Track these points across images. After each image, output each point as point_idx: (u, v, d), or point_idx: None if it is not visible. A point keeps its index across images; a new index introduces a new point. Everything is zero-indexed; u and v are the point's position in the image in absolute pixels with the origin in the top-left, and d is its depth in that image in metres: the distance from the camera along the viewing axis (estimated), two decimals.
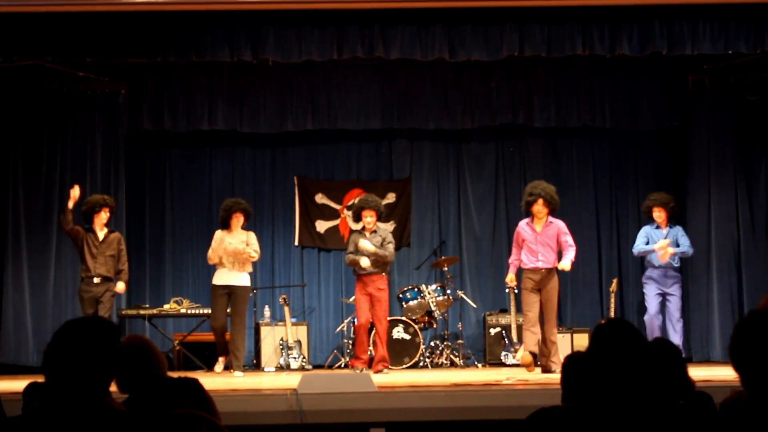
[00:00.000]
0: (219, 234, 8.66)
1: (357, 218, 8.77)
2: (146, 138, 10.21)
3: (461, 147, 10.62)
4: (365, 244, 8.38)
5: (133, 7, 7.65)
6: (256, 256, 8.64)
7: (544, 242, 8.16)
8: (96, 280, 8.40)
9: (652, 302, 8.87)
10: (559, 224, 8.27)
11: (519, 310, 9.79)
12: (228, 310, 8.67)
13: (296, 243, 10.49)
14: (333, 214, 10.45)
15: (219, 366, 8.69)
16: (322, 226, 10.46)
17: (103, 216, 8.50)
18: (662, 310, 8.94)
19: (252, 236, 8.71)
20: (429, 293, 9.42)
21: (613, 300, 9.54)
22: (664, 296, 8.89)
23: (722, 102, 9.82)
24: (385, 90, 10.05)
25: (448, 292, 9.47)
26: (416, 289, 9.45)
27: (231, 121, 9.88)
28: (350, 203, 10.49)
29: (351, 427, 6.05)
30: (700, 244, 9.80)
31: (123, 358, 3.52)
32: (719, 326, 9.57)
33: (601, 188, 10.60)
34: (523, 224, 8.30)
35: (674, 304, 8.85)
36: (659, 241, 8.90)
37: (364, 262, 8.41)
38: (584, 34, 8.18)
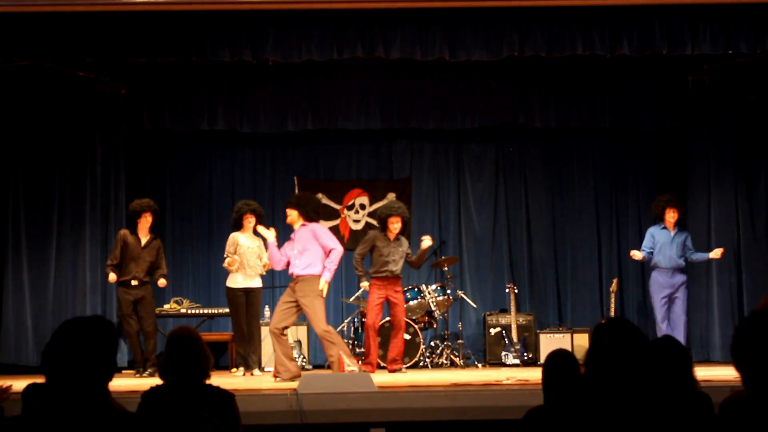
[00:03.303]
0: (233, 237, 8.67)
1: (383, 225, 8.75)
2: (146, 138, 10.21)
3: (461, 147, 10.63)
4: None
5: (133, 7, 7.64)
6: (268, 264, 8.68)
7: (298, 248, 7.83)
8: (134, 282, 8.55)
9: (659, 311, 8.80)
10: (315, 226, 7.95)
11: (519, 310, 9.81)
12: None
13: None
14: (333, 214, 10.45)
15: (240, 371, 8.67)
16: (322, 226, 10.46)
17: (146, 220, 8.66)
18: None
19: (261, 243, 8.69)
20: (429, 293, 9.42)
21: (613, 300, 9.54)
22: (670, 297, 8.84)
23: (722, 102, 9.82)
24: (385, 90, 10.05)
25: (448, 292, 9.47)
26: (416, 289, 9.44)
27: (231, 121, 9.87)
28: (351, 202, 10.51)
29: (351, 427, 6.05)
30: (700, 244, 9.80)
31: (169, 347, 3.61)
32: (719, 326, 9.57)
33: (601, 188, 10.61)
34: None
35: (680, 306, 8.80)
36: (716, 251, 8.94)
37: (364, 284, 8.72)
38: (584, 34, 8.18)
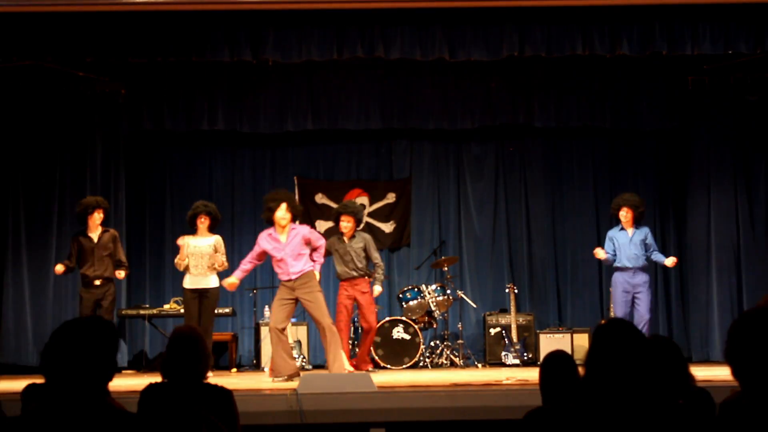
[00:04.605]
0: (183, 240, 8.51)
1: (336, 222, 8.82)
2: (146, 138, 10.22)
3: (461, 147, 10.63)
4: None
5: (133, 7, 7.64)
6: (224, 265, 8.50)
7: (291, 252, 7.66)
8: (97, 282, 8.38)
9: (619, 308, 8.69)
10: (303, 230, 7.86)
11: (519, 310, 9.81)
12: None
13: None
14: (333, 214, 10.44)
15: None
16: (322, 226, 10.46)
17: (97, 217, 8.44)
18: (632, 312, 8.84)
19: (220, 242, 8.49)
20: (429, 293, 9.42)
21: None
22: (632, 298, 8.70)
23: (722, 102, 9.83)
24: (385, 90, 10.06)
25: (448, 292, 9.47)
26: (416, 289, 9.44)
27: (231, 121, 9.88)
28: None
29: (351, 427, 6.05)
30: (700, 244, 9.81)
31: (171, 345, 3.61)
32: (719, 326, 9.57)
33: (601, 188, 10.60)
34: (264, 235, 7.78)
35: (643, 306, 8.61)
36: (670, 259, 8.90)
37: (377, 290, 8.71)
38: (584, 34, 8.18)
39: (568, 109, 10.06)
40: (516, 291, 9.79)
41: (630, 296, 8.70)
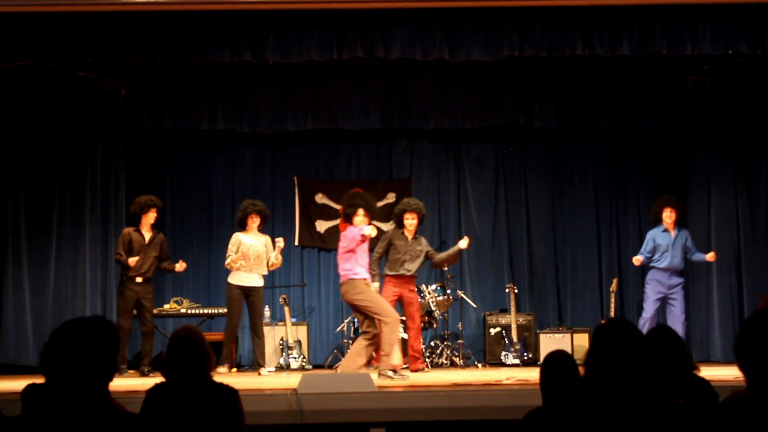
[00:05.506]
0: (236, 237, 8.77)
1: (400, 222, 8.77)
2: (146, 138, 10.21)
3: (461, 147, 10.63)
4: None
5: (133, 7, 7.63)
6: (280, 262, 8.94)
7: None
8: (138, 279, 8.56)
9: (650, 305, 8.91)
10: None
11: (519, 310, 9.81)
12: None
13: (296, 243, 10.50)
14: (333, 214, 10.45)
15: (224, 368, 8.71)
16: (322, 226, 10.47)
17: (151, 216, 8.72)
18: (661, 313, 9.00)
19: (269, 241, 8.84)
20: (429, 293, 9.41)
21: (613, 300, 9.55)
22: (665, 299, 8.95)
23: (722, 102, 9.82)
24: (385, 90, 10.05)
25: (448, 292, 9.46)
26: (416, 289, 9.43)
27: (231, 121, 9.88)
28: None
29: (351, 427, 6.05)
30: (700, 244, 9.79)
31: (170, 348, 3.64)
32: (719, 326, 9.58)
33: (601, 188, 10.61)
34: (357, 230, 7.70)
35: (678, 307, 8.93)
36: (711, 254, 9.10)
37: (375, 285, 8.44)
38: (584, 34, 8.18)
39: (568, 109, 10.06)
40: (516, 291, 9.80)
41: (663, 296, 8.95)
